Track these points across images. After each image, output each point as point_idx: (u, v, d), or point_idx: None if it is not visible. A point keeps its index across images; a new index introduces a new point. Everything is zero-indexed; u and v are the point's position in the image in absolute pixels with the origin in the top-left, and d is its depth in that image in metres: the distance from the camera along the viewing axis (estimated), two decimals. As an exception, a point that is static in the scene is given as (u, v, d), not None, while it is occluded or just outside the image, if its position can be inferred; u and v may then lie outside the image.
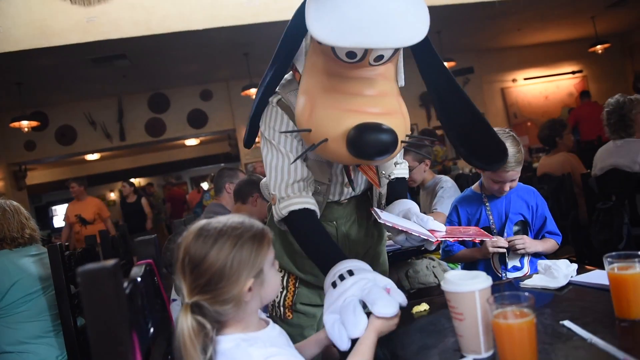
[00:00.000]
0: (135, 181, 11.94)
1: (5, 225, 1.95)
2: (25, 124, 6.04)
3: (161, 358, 0.95)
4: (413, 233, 1.17)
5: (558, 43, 8.28)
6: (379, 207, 1.41)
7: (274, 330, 0.97)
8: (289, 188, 1.25)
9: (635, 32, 8.36)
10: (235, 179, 2.95)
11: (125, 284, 0.76)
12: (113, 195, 11.81)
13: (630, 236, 2.47)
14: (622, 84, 8.20)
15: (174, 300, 1.98)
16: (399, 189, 1.44)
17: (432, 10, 1.04)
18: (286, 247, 1.41)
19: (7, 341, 1.89)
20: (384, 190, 1.42)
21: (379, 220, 1.19)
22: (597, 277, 1.27)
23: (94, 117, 7.12)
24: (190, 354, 0.81)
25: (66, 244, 2.01)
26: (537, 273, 1.40)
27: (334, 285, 1.06)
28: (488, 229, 1.74)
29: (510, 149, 1.62)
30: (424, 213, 1.32)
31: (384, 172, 1.39)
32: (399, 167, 1.46)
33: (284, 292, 1.43)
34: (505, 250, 1.68)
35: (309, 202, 1.24)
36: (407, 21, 0.99)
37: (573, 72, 8.61)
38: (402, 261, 2.31)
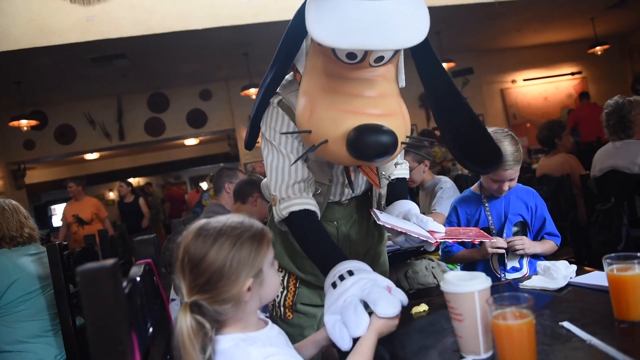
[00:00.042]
0: (135, 181, 11.94)
1: (4, 224, 1.95)
2: (24, 123, 6.03)
3: (160, 358, 0.95)
4: (412, 234, 1.17)
5: (557, 44, 8.29)
6: (378, 208, 1.41)
7: (273, 330, 0.97)
8: (289, 189, 1.25)
9: (635, 34, 8.37)
10: (235, 179, 2.95)
11: (125, 284, 0.76)
12: (112, 195, 11.79)
13: (629, 237, 2.47)
14: (622, 85, 8.20)
15: (173, 299, 1.98)
16: (399, 190, 1.44)
17: (432, 10, 1.04)
18: (287, 247, 1.41)
19: (5, 340, 1.88)
20: (383, 190, 1.42)
21: (378, 222, 1.19)
22: (596, 278, 1.27)
23: (93, 117, 7.11)
24: (189, 353, 0.81)
25: (64, 243, 2.01)
26: (536, 274, 1.40)
27: (334, 285, 1.06)
28: (487, 230, 1.74)
29: (509, 147, 1.62)
30: (423, 214, 1.32)
31: (384, 173, 1.39)
32: (399, 167, 1.46)
33: (285, 292, 1.43)
34: (504, 251, 1.68)
35: (309, 203, 1.24)
36: (407, 22, 0.99)
37: (572, 74, 8.62)
38: (401, 262, 2.32)
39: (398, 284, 2.29)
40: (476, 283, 0.92)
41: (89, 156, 9.41)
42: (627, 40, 8.58)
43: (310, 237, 1.23)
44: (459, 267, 2.02)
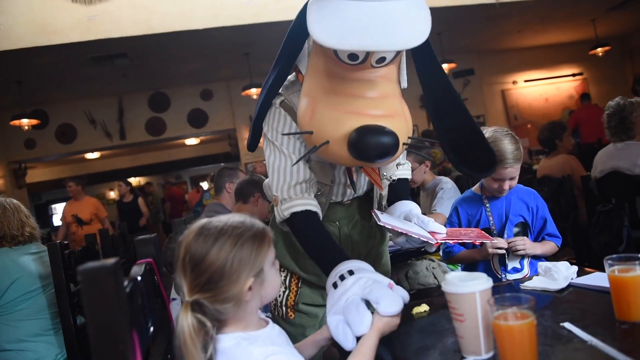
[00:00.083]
0: (135, 180, 11.94)
1: (6, 223, 1.95)
2: (25, 122, 6.03)
3: (161, 357, 0.95)
4: (413, 235, 1.17)
5: (558, 45, 8.29)
6: (379, 208, 1.41)
7: (274, 330, 0.97)
8: (291, 189, 1.25)
9: (636, 35, 8.36)
10: (236, 179, 2.95)
11: (126, 283, 0.76)
12: (113, 194, 11.80)
13: (630, 239, 2.47)
14: (623, 86, 8.19)
15: (174, 299, 1.98)
16: (401, 190, 1.44)
17: (433, 11, 1.04)
18: (289, 247, 1.41)
19: (6, 339, 1.89)
20: (384, 191, 1.42)
21: (378, 223, 1.19)
22: (597, 279, 1.27)
23: (94, 116, 7.12)
24: (190, 351, 0.81)
25: (65, 242, 2.01)
26: (537, 275, 1.40)
27: (334, 286, 1.06)
28: (488, 230, 1.74)
29: (509, 146, 1.62)
30: (424, 214, 1.32)
31: (385, 173, 1.39)
32: (401, 168, 1.46)
33: (287, 291, 1.43)
34: (504, 251, 1.68)
35: (310, 204, 1.24)
36: (409, 23, 0.99)
37: (573, 75, 8.62)
38: (402, 262, 2.32)
39: (398, 284, 2.29)
40: (477, 283, 0.92)
41: (90, 155, 9.41)
42: (628, 42, 8.58)
43: (312, 238, 1.23)
44: (459, 268, 2.02)
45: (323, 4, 0.99)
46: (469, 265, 1.81)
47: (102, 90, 6.84)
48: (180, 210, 8.49)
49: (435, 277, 2.25)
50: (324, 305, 1.08)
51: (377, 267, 1.41)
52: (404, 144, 1.10)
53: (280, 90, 1.29)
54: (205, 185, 9.77)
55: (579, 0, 5.96)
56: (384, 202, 1.43)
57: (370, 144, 1.02)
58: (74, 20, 4.43)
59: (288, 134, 1.25)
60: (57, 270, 1.88)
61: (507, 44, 7.85)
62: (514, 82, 8.45)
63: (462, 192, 1.99)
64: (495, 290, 0.94)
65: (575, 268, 1.34)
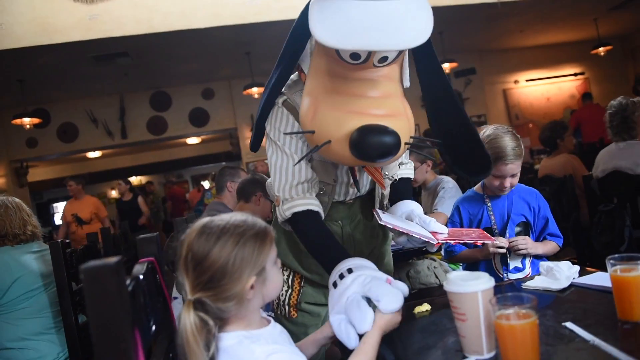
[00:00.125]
0: (137, 179, 11.95)
1: (7, 222, 1.95)
2: (27, 121, 6.04)
3: (163, 356, 0.95)
4: (414, 235, 1.17)
5: (560, 45, 8.27)
6: (381, 207, 1.41)
7: (276, 329, 0.98)
8: (292, 189, 1.25)
9: (638, 35, 8.35)
10: (237, 178, 2.95)
11: (128, 282, 0.76)
12: (114, 193, 11.81)
13: (632, 239, 2.47)
14: (624, 86, 8.18)
15: (175, 298, 1.98)
16: (403, 190, 1.43)
17: (435, 10, 1.04)
18: (292, 246, 1.41)
19: (8, 337, 1.89)
20: (386, 190, 1.42)
21: (379, 222, 1.19)
22: (599, 279, 1.27)
23: (95, 115, 7.12)
24: (193, 350, 0.81)
25: (67, 241, 2.01)
26: (539, 274, 1.40)
27: (334, 285, 1.06)
28: (490, 230, 1.74)
29: (509, 143, 1.63)
30: (425, 214, 1.32)
31: (387, 173, 1.39)
32: (403, 167, 1.46)
33: (289, 290, 1.43)
34: (505, 250, 1.68)
35: (312, 204, 1.24)
36: (411, 22, 0.98)
37: (575, 74, 8.60)
38: (403, 261, 2.31)
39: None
40: (479, 283, 0.92)
41: (91, 154, 9.42)
42: (630, 41, 8.56)
43: (314, 237, 1.23)
44: (461, 267, 2.02)
45: (325, 3, 0.99)
46: (471, 265, 1.81)
47: (104, 89, 6.85)
48: (181, 209, 8.50)
49: (437, 277, 2.25)
50: (327, 305, 1.09)
51: (380, 266, 1.41)
52: (405, 143, 1.10)
53: (283, 90, 1.29)
54: (206, 184, 9.78)
55: (581, 0, 5.95)
56: (386, 202, 1.43)
57: (372, 144, 1.02)
58: (76, 20, 4.44)
59: (290, 134, 1.25)
60: (58, 269, 1.88)
61: (509, 43, 7.84)
62: (516, 82, 8.44)
63: (463, 192, 1.99)
64: (497, 289, 0.95)
65: (577, 268, 1.34)
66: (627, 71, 8.74)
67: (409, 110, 1.14)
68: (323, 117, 1.09)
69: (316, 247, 1.22)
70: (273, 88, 1.25)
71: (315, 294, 1.42)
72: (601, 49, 7.32)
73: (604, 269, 1.03)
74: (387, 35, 0.96)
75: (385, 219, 1.21)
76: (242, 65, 6.22)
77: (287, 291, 1.43)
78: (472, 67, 7.68)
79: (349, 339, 0.97)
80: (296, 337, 1.07)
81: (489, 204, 1.77)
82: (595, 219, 2.66)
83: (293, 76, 1.32)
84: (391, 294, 0.98)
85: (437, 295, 1.69)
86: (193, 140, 10.14)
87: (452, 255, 1.84)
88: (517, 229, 1.75)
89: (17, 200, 2.05)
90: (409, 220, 1.29)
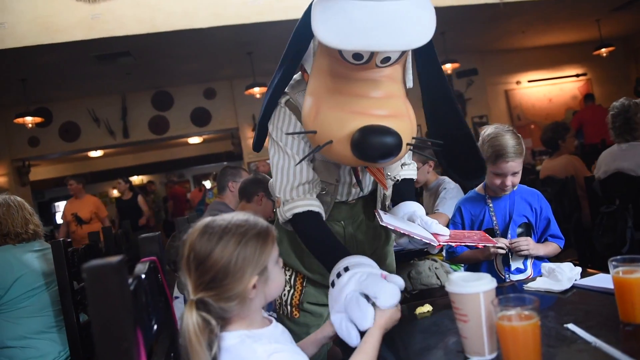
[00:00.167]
0: (138, 179, 11.96)
1: (10, 221, 1.95)
2: (29, 120, 6.04)
3: (164, 355, 0.95)
4: (415, 237, 1.17)
5: (562, 46, 8.26)
6: (382, 208, 1.41)
7: (277, 329, 0.98)
8: (293, 191, 1.25)
9: (640, 36, 8.34)
10: (238, 178, 2.95)
11: (130, 281, 0.76)
12: (116, 192, 11.81)
13: (634, 240, 2.46)
14: (627, 87, 8.17)
15: (176, 297, 1.99)
16: (405, 190, 1.43)
17: (436, 11, 1.04)
18: (294, 246, 1.41)
19: (9, 336, 1.89)
20: (388, 191, 1.42)
21: (381, 223, 1.19)
22: (601, 280, 1.26)
23: (97, 114, 7.13)
24: (195, 349, 0.81)
25: (68, 240, 2.01)
26: (541, 276, 1.40)
27: (332, 284, 1.06)
28: (491, 230, 1.74)
29: (510, 141, 1.64)
30: (427, 214, 1.32)
31: (389, 173, 1.39)
32: (406, 168, 1.46)
33: (292, 290, 1.43)
34: (505, 251, 1.67)
35: (312, 204, 1.24)
36: (413, 23, 0.98)
37: (577, 75, 8.59)
38: (404, 262, 2.31)
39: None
40: (481, 284, 0.92)
41: (93, 154, 9.43)
42: (632, 42, 8.55)
43: (314, 237, 1.24)
44: (462, 268, 2.01)
45: (327, 4, 0.99)
46: (472, 266, 1.81)
47: (106, 88, 6.86)
48: (182, 208, 8.51)
49: (438, 278, 2.24)
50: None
51: (382, 267, 1.40)
52: (407, 144, 1.10)
53: (286, 90, 1.29)
54: (207, 184, 9.78)
55: (583, 1, 5.95)
56: (388, 202, 1.43)
57: (373, 144, 1.01)
58: (78, 19, 4.44)
59: (292, 134, 1.25)
60: (60, 268, 1.88)
61: (511, 44, 7.83)
62: (518, 82, 8.43)
63: (465, 192, 1.99)
64: (498, 291, 0.94)
65: (579, 269, 1.34)
66: (630, 72, 8.72)
67: (411, 111, 1.14)
68: (325, 117, 1.09)
69: (317, 247, 1.22)
70: (276, 88, 1.25)
71: (317, 294, 1.42)
72: (603, 50, 7.31)
73: (606, 271, 1.03)
74: (390, 35, 0.95)
75: (387, 220, 1.21)
76: (244, 65, 6.23)
77: (289, 291, 1.43)
78: (474, 67, 7.67)
79: (350, 337, 0.97)
80: (298, 337, 1.07)
81: (490, 205, 1.77)
82: (597, 221, 2.66)
83: (296, 76, 1.32)
84: (388, 290, 0.98)
85: (439, 296, 1.69)
86: (195, 140, 10.15)
87: (453, 256, 1.83)
88: (519, 230, 1.75)
89: (19, 199, 2.05)
90: (411, 221, 1.29)
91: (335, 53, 1.06)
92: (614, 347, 0.86)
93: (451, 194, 2.47)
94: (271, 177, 1.37)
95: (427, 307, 1.28)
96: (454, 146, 1.24)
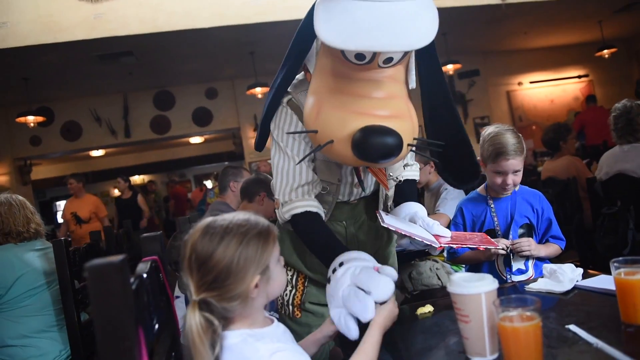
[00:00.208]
0: (139, 178, 11.96)
1: (12, 220, 1.96)
2: (31, 119, 6.05)
3: (165, 354, 0.95)
4: (416, 238, 1.16)
5: (564, 47, 8.25)
6: (384, 209, 1.41)
7: (279, 328, 0.98)
8: (292, 192, 1.25)
9: (642, 37, 8.33)
10: (240, 178, 2.95)
11: (132, 280, 0.76)
12: (117, 192, 11.82)
13: (635, 242, 2.46)
14: (629, 88, 8.15)
15: (178, 297, 1.99)
16: (407, 191, 1.43)
17: (438, 12, 1.04)
18: (296, 245, 1.41)
19: (10, 335, 1.89)
20: (390, 192, 1.42)
21: (382, 224, 1.19)
22: (602, 282, 1.26)
23: (99, 114, 7.14)
24: (199, 350, 0.81)
25: (69, 239, 2.01)
26: (542, 277, 1.40)
27: (329, 280, 1.07)
28: (493, 231, 1.74)
29: (510, 139, 1.65)
30: (428, 215, 1.32)
31: (391, 174, 1.38)
32: (408, 169, 1.46)
33: (293, 290, 1.43)
34: (506, 251, 1.67)
35: (311, 205, 1.25)
36: (416, 23, 0.98)
37: (579, 77, 8.58)
38: (405, 263, 2.31)
39: (402, 285, 2.29)
40: (483, 284, 0.92)
41: (95, 153, 9.45)
42: (634, 44, 8.53)
43: (314, 236, 1.24)
44: (463, 269, 2.01)
45: (330, 4, 0.99)
46: (474, 266, 1.81)
47: (108, 88, 6.86)
48: (183, 208, 8.52)
49: (439, 278, 2.24)
50: None
51: (384, 268, 1.41)
52: (408, 145, 1.10)
53: (288, 89, 1.29)
54: (209, 183, 9.78)
55: (585, 2, 5.94)
56: (390, 203, 1.43)
57: (374, 144, 1.02)
58: (80, 18, 4.45)
59: (292, 133, 1.25)
60: (61, 267, 1.89)
61: (513, 45, 7.82)
62: (520, 84, 8.43)
63: (466, 193, 1.99)
64: (499, 291, 0.94)
65: (580, 270, 1.34)
66: (632, 74, 8.71)
67: (413, 111, 1.14)
68: (326, 116, 1.09)
69: (317, 246, 1.23)
70: (278, 88, 1.25)
71: (319, 294, 1.42)
72: (605, 51, 7.31)
73: (607, 272, 1.03)
74: (392, 36, 0.95)
75: (388, 221, 1.21)
76: (246, 65, 6.23)
77: (291, 291, 1.43)
78: (475, 68, 7.67)
79: (348, 330, 0.98)
80: (300, 337, 1.07)
81: (492, 206, 1.77)
82: (599, 222, 2.65)
83: (299, 76, 1.32)
84: (381, 283, 0.99)
85: (440, 297, 1.69)
86: (196, 139, 10.15)
87: (454, 257, 1.83)
88: (521, 230, 1.75)
89: (20, 198, 2.06)
90: (412, 222, 1.29)
91: (338, 53, 1.06)
92: (615, 348, 0.86)
93: (452, 194, 2.47)
94: (272, 177, 1.37)
95: (428, 308, 1.28)
96: (450, 150, 1.25)
